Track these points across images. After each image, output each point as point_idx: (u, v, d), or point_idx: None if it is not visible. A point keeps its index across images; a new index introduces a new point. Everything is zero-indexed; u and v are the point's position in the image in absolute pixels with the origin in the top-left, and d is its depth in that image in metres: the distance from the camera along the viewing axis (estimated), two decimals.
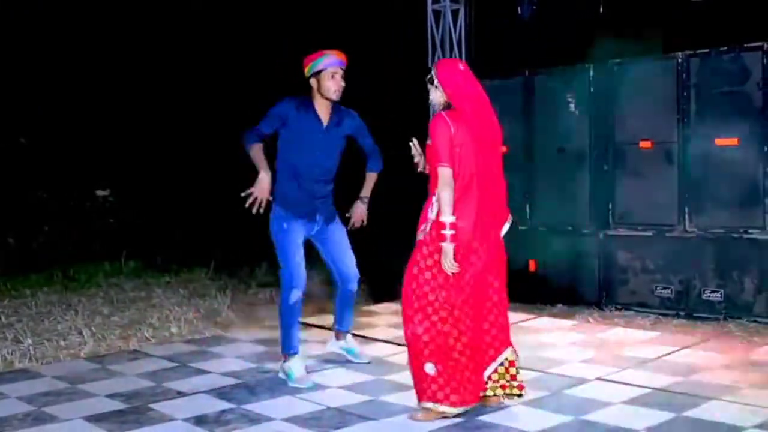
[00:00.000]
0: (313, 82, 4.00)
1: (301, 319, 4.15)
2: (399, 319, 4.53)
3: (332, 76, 3.94)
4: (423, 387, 3.36)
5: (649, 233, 5.46)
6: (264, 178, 3.87)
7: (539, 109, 5.93)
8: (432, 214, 3.34)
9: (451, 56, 6.72)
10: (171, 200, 10.34)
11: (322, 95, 3.98)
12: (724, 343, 4.62)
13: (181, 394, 3.95)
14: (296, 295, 3.97)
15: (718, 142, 5.13)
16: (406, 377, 4.12)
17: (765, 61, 4.95)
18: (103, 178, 10.84)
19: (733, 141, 5.07)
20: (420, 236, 3.38)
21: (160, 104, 10.45)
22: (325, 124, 4.02)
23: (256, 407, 3.71)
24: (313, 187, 4.03)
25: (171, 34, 10.13)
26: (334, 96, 3.98)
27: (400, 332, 4.60)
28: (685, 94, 5.27)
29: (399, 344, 4.68)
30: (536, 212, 5.92)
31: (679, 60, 5.29)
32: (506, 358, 3.46)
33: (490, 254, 3.37)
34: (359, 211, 4.20)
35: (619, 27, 6.55)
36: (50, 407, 3.77)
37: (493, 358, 3.42)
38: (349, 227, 4.17)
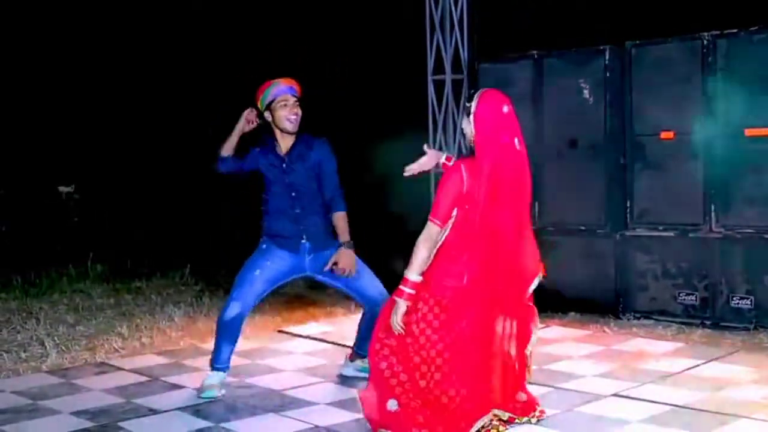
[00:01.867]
0: (267, 115, 4.13)
1: (238, 337, 4.19)
2: None
3: (284, 105, 4.05)
4: (385, 419, 3.36)
5: (671, 234, 5.47)
6: (243, 117, 4.19)
7: (549, 96, 5.93)
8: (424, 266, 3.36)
9: (451, 37, 6.73)
10: (142, 197, 10.32)
11: (277, 127, 4.11)
12: (754, 355, 4.63)
13: (153, 411, 3.94)
14: (233, 311, 4.05)
15: (748, 132, 5.13)
16: None
17: None
18: (67, 172, 10.81)
19: (764, 131, 5.08)
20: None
21: (130, 93, 10.44)
22: (284, 159, 4.13)
23: (236, 426, 3.71)
24: (295, 218, 4.12)
25: (146, 26, 10.13)
26: (289, 126, 4.08)
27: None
28: (711, 79, 5.27)
29: None
30: (546, 211, 5.93)
31: (705, 41, 5.30)
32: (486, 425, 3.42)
33: (509, 312, 3.39)
34: (346, 260, 4.04)
35: (638, 4, 6.56)
36: (9, 426, 3.76)
37: (477, 418, 3.35)
38: (335, 273, 4.09)
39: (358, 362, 4.38)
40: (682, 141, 5.41)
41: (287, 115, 4.06)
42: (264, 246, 4.15)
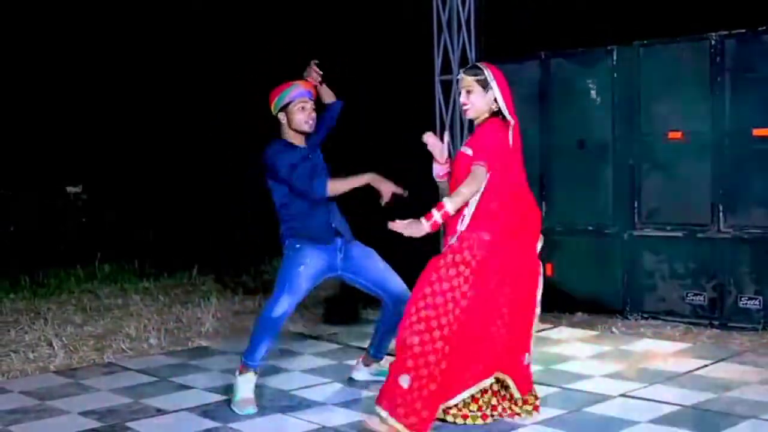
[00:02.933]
0: (281, 117, 4.05)
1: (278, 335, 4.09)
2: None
3: (302, 108, 4.00)
4: (389, 395, 3.38)
5: (679, 234, 5.46)
6: (373, 177, 3.91)
7: (556, 96, 5.93)
8: (461, 226, 3.40)
9: (459, 38, 6.72)
10: (150, 198, 10.36)
11: (294, 130, 4.05)
12: (762, 355, 4.61)
13: (161, 411, 3.95)
14: (282, 307, 3.92)
15: (756, 132, 5.12)
16: None
17: None
18: (75, 172, 10.85)
19: None
20: (451, 241, 3.43)
21: (135, 94, 10.47)
22: (308, 155, 4.06)
23: (243, 426, 3.72)
24: (325, 212, 4.02)
25: (152, 29, 10.17)
26: (307, 128, 4.03)
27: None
28: (719, 79, 5.26)
29: None
30: (554, 211, 5.92)
31: (713, 41, 5.28)
32: (489, 387, 3.49)
33: (514, 276, 3.44)
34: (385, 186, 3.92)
35: (646, 4, 6.55)
36: (17, 426, 3.77)
37: (465, 387, 3.43)
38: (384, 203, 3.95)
39: (374, 366, 4.35)
40: (690, 141, 5.40)
41: (306, 119, 4.00)
42: (297, 245, 3.99)
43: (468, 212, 3.40)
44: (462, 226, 3.40)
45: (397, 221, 3.35)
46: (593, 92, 5.76)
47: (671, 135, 5.46)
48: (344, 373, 4.47)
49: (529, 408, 3.63)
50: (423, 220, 3.35)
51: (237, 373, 4.00)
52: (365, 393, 4.18)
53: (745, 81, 5.17)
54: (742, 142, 5.19)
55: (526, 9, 7.19)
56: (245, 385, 3.95)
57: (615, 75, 5.70)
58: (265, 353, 4.01)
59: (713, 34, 5.29)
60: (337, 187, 3.94)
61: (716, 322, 5.28)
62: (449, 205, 3.34)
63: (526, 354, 3.60)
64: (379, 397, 3.44)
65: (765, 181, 5.13)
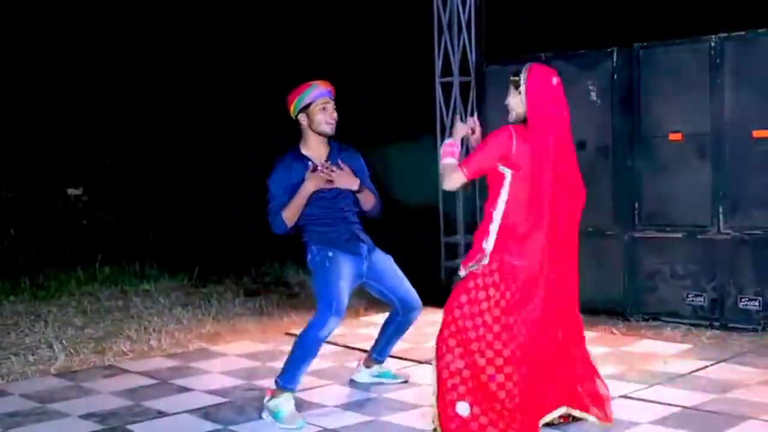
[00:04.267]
0: (302, 118, 3.93)
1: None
2: None
3: (323, 108, 3.89)
4: (450, 428, 3.24)
5: (680, 235, 5.46)
6: (310, 178, 3.83)
7: None
8: (487, 245, 3.26)
9: (459, 39, 6.73)
10: (150, 199, 10.36)
11: (314, 131, 3.93)
12: (762, 356, 4.62)
13: (162, 414, 3.95)
14: (331, 326, 3.75)
15: (756, 134, 5.13)
16: (408, 395, 4.14)
17: None
18: (75, 174, 10.85)
19: None
20: (473, 267, 3.29)
21: (136, 96, 10.47)
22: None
23: (244, 428, 3.72)
24: (337, 212, 3.95)
25: (151, 29, 10.18)
26: (329, 129, 3.91)
27: (403, 346, 4.62)
28: (718, 80, 5.27)
29: (402, 358, 4.69)
30: None
31: (713, 43, 5.29)
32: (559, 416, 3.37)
33: (554, 299, 3.29)
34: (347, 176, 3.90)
35: (646, 6, 6.56)
36: (17, 429, 3.77)
37: (546, 412, 3.30)
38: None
39: (375, 368, 4.34)
40: (690, 142, 5.40)
41: (327, 119, 3.89)
42: (330, 254, 3.88)
43: (493, 229, 3.26)
44: (488, 244, 3.26)
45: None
46: (593, 94, 5.76)
47: (671, 136, 5.46)
48: (345, 375, 4.47)
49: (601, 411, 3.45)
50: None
51: (268, 398, 3.80)
52: (366, 395, 4.18)
53: (744, 82, 5.18)
54: (741, 144, 5.20)
55: (527, 11, 7.20)
56: (287, 402, 3.76)
57: (615, 77, 5.71)
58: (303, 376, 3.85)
59: (713, 36, 5.30)
60: (289, 215, 3.84)
61: (717, 323, 5.29)
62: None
63: (597, 379, 3.45)
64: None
65: (765, 182, 5.13)
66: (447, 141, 3.52)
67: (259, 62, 9.69)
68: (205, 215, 9.78)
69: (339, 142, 4.06)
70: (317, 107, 3.89)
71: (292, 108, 3.94)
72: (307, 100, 3.89)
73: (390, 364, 4.44)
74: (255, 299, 6.70)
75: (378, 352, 4.29)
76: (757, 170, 5.16)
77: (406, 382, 4.34)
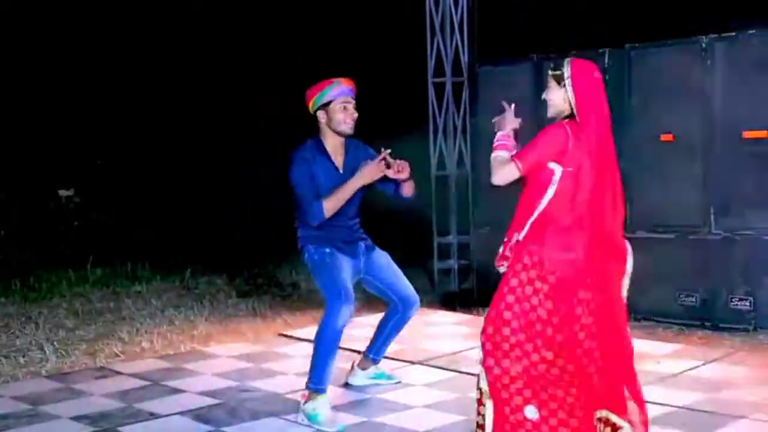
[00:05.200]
0: (321, 115, 3.87)
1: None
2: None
3: (344, 108, 3.82)
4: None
5: (671, 236, 5.49)
6: (360, 175, 3.77)
7: None
8: (519, 236, 3.13)
9: (452, 40, 6.74)
10: (142, 201, 10.34)
11: (333, 130, 3.88)
12: (754, 356, 4.64)
13: (153, 415, 3.94)
14: (346, 314, 3.71)
15: (747, 134, 5.15)
16: (401, 396, 4.14)
17: None
18: (67, 176, 10.82)
19: (762, 133, 5.10)
20: (505, 265, 3.16)
21: (129, 97, 10.45)
22: (341, 167, 3.90)
23: (237, 430, 3.71)
24: (346, 226, 3.95)
25: (146, 28, 10.15)
26: (348, 129, 3.86)
27: (395, 346, 4.62)
28: (709, 81, 5.29)
29: (394, 359, 4.69)
30: None
31: (703, 44, 5.31)
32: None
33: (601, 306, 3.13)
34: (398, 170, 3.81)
35: (638, 7, 6.59)
36: (9, 431, 3.76)
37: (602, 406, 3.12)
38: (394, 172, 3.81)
39: (371, 369, 4.32)
40: (681, 143, 5.42)
41: (347, 119, 3.84)
42: (328, 250, 3.87)
43: (529, 223, 3.12)
44: (520, 236, 3.13)
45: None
46: None
47: (663, 137, 5.49)
48: (338, 377, 4.47)
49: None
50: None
51: (303, 402, 3.77)
52: (359, 396, 4.19)
53: (735, 83, 5.20)
54: (732, 145, 5.22)
55: (519, 12, 7.22)
56: (323, 405, 3.73)
57: (607, 77, 5.71)
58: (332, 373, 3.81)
59: (704, 36, 5.33)
60: (331, 205, 3.78)
61: (708, 323, 5.31)
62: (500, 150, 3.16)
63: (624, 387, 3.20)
64: None
65: (755, 183, 5.16)
66: (500, 134, 3.28)
67: (256, 63, 9.69)
68: (198, 216, 9.76)
69: (354, 139, 4.01)
70: (338, 105, 3.83)
71: (311, 104, 3.88)
72: (327, 98, 3.83)
73: (383, 365, 4.44)
74: (248, 300, 6.70)
75: (375, 352, 4.29)
76: (747, 171, 5.18)
77: (399, 382, 4.34)
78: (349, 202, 3.90)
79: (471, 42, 6.70)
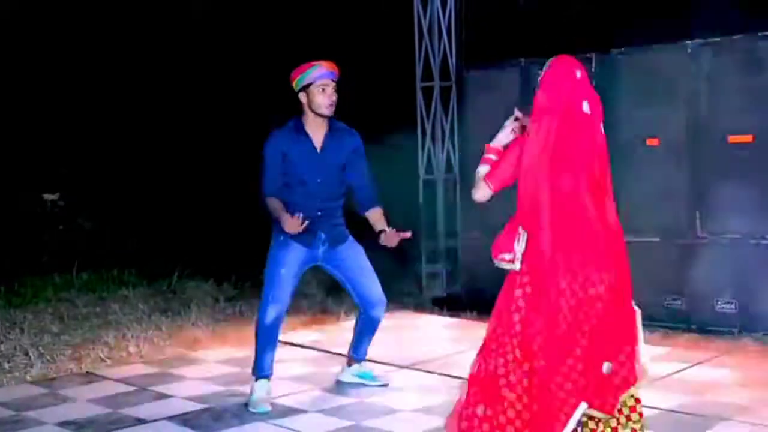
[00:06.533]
0: (302, 96, 4.01)
1: (278, 340, 4.16)
2: (382, 336, 4.55)
3: (323, 90, 3.95)
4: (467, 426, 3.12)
5: (657, 239, 5.52)
6: (286, 220, 3.88)
7: None
8: (518, 247, 3.13)
9: (439, 44, 6.77)
10: (128, 205, 10.29)
11: (313, 111, 4.00)
12: (739, 359, 4.69)
13: (140, 421, 3.94)
14: (272, 313, 3.98)
15: (732, 139, 5.20)
16: (389, 400, 4.16)
17: None
18: (51, 180, 10.75)
19: (747, 138, 5.15)
20: (506, 266, 3.14)
21: (113, 100, 10.41)
22: (319, 146, 4.02)
23: None
24: (314, 210, 4.00)
25: (126, 32, 10.12)
26: (326, 111, 3.98)
27: (383, 350, 4.64)
28: (695, 86, 5.34)
29: (382, 363, 4.71)
30: None
31: (689, 49, 5.37)
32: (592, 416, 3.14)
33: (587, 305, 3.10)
34: (391, 239, 4.00)
35: (624, 12, 6.63)
36: None
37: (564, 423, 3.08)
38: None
39: (355, 367, 4.38)
40: (667, 147, 5.47)
41: (325, 101, 3.94)
42: (281, 238, 3.99)
43: (522, 229, 3.12)
44: (519, 245, 3.12)
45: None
46: None
47: (649, 141, 5.53)
48: (326, 381, 4.48)
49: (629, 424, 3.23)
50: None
51: (252, 380, 4.11)
52: (346, 400, 4.19)
53: (720, 88, 5.26)
54: (718, 149, 5.27)
55: (507, 17, 7.25)
56: (260, 388, 4.06)
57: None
58: (272, 360, 4.08)
59: (689, 41, 5.38)
60: (271, 205, 3.97)
61: (694, 327, 5.35)
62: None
63: (605, 363, 3.16)
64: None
65: (740, 187, 5.20)
66: (489, 145, 3.25)
67: (242, 67, 9.68)
68: (185, 220, 9.73)
69: (345, 125, 4.11)
70: (317, 88, 3.96)
71: (294, 84, 4.03)
72: (308, 80, 3.96)
73: (371, 366, 4.45)
74: (235, 305, 6.69)
75: (353, 350, 4.36)
76: (733, 175, 5.23)
77: (386, 385, 4.36)
78: (315, 187, 4.01)
79: (459, 46, 6.73)
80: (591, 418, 3.14)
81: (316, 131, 4.04)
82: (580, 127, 3.15)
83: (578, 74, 3.22)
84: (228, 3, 9.76)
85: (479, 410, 3.09)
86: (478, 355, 3.16)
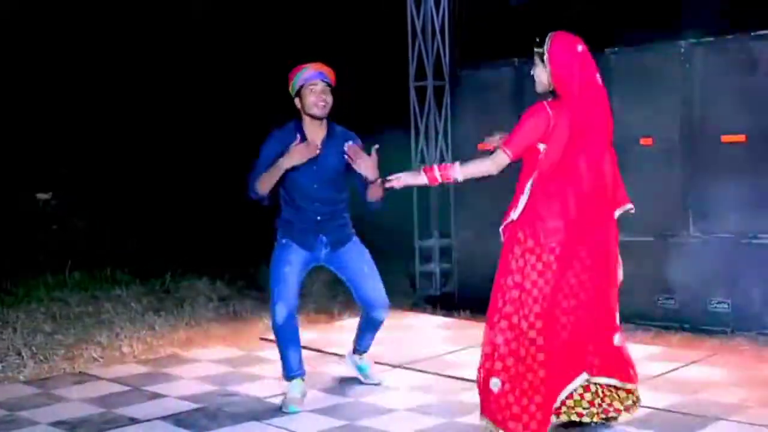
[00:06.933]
0: (297, 101, 4.04)
1: (299, 338, 4.12)
2: (376, 335, 4.55)
3: (311, 91, 3.96)
4: (486, 403, 3.26)
5: (650, 238, 5.53)
6: (293, 151, 3.87)
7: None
8: (515, 214, 3.25)
9: (433, 44, 6.76)
10: (121, 204, 10.27)
11: (307, 114, 4.02)
12: (731, 358, 4.70)
13: (133, 421, 3.92)
14: (281, 311, 3.96)
15: (725, 138, 5.22)
16: (383, 399, 4.16)
17: None
18: (44, 179, 10.72)
19: (740, 137, 5.17)
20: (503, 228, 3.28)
21: (105, 100, 10.38)
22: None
23: None
24: (313, 213, 4.03)
25: (118, 32, 10.09)
26: (317, 112, 3.98)
27: (377, 349, 4.64)
28: (688, 86, 5.35)
29: (376, 362, 4.70)
30: None
31: (682, 49, 5.38)
32: (595, 383, 3.35)
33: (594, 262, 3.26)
34: (375, 190, 3.91)
35: (617, 12, 6.65)
36: None
37: (569, 380, 3.30)
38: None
39: (356, 357, 4.43)
40: (660, 147, 5.48)
41: (315, 101, 3.95)
42: (283, 240, 4.06)
43: (522, 200, 3.23)
44: (515, 214, 3.24)
45: (393, 176, 3.29)
46: None
47: (642, 141, 5.54)
48: (320, 380, 4.48)
49: (631, 399, 3.45)
50: (423, 174, 3.26)
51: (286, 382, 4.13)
52: (340, 399, 4.19)
53: (713, 88, 5.27)
54: (711, 148, 5.28)
55: (500, 16, 7.26)
56: (292, 388, 4.06)
57: None
58: (299, 358, 4.08)
59: (682, 41, 5.39)
60: (261, 184, 3.93)
61: (687, 326, 5.36)
62: (456, 170, 3.21)
63: (616, 334, 3.40)
64: (481, 407, 3.29)
65: (733, 187, 5.22)
66: (424, 174, 3.36)
67: (236, 67, 9.67)
68: (178, 219, 9.71)
69: (342, 126, 4.11)
70: (307, 89, 3.98)
71: (290, 91, 4.06)
72: (299, 84, 4.00)
73: (368, 362, 4.46)
74: (228, 304, 6.67)
75: (357, 343, 4.40)
76: (726, 174, 5.24)
77: (378, 384, 4.36)
78: (313, 192, 4.00)
79: (452, 46, 6.73)
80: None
81: (314, 135, 4.02)
82: (598, 99, 3.26)
83: (579, 48, 3.30)
84: (223, 4, 9.74)
85: (493, 384, 3.19)
86: (494, 323, 3.24)
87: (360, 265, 4.14)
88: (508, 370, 3.19)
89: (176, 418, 3.93)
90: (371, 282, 4.15)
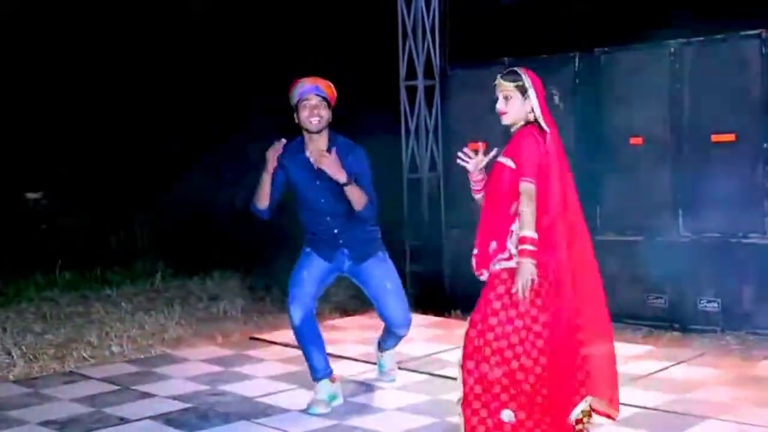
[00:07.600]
0: (295, 116, 4.03)
1: (321, 339, 4.09)
2: (367, 335, 4.55)
3: (304, 106, 3.94)
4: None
5: (640, 238, 5.55)
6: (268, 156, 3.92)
7: None
8: (511, 244, 3.20)
9: (423, 44, 6.76)
10: (111, 204, 10.22)
11: (303, 128, 4.00)
12: (721, 357, 4.71)
13: (123, 420, 3.91)
14: (297, 313, 3.96)
15: (714, 138, 5.23)
16: (373, 398, 4.15)
17: (764, 49, 5.06)
18: (34, 178, 10.67)
19: (729, 137, 5.18)
20: (497, 266, 3.21)
21: (97, 99, 10.33)
22: (317, 166, 3.93)
23: None
24: (329, 227, 4.03)
25: (110, 33, 10.06)
26: (311, 126, 3.94)
27: (367, 348, 4.63)
28: (678, 85, 5.37)
29: (369, 362, 4.70)
30: None
31: (672, 49, 5.39)
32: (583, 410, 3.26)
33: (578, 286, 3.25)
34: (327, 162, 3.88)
35: (608, 12, 6.67)
36: None
37: (575, 404, 3.22)
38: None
39: (379, 353, 4.49)
40: (650, 146, 5.49)
41: (308, 116, 3.93)
42: (307, 249, 4.09)
43: (515, 228, 3.20)
44: (512, 243, 3.18)
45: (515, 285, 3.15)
46: (556, 98, 5.80)
47: (632, 140, 5.55)
48: (310, 380, 4.46)
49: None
50: (521, 260, 3.13)
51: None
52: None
53: (703, 87, 5.29)
54: (700, 148, 5.30)
55: (491, 16, 7.26)
56: (319, 390, 4.03)
57: (577, 81, 5.79)
58: (324, 358, 4.06)
59: (672, 41, 5.41)
60: (257, 196, 3.98)
61: (676, 325, 5.38)
62: (530, 231, 3.14)
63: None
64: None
65: (723, 186, 5.23)
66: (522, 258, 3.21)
67: (227, 67, 9.64)
68: (170, 220, 9.68)
69: (346, 139, 4.07)
70: (301, 104, 3.97)
71: (293, 106, 4.05)
72: (295, 99, 3.99)
73: (360, 367, 4.45)
74: (219, 304, 6.65)
75: (382, 341, 4.44)
76: (715, 174, 5.26)
77: (393, 380, 4.44)
78: (321, 206, 4.00)
79: (443, 45, 6.73)
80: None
81: (314, 148, 3.98)
82: (557, 135, 3.35)
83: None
84: (216, 7, 9.72)
85: (506, 416, 3.14)
86: (485, 357, 3.16)
87: (383, 282, 4.13)
88: (518, 398, 3.13)
89: (166, 418, 3.91)
90: (392, 300, 4.14)
